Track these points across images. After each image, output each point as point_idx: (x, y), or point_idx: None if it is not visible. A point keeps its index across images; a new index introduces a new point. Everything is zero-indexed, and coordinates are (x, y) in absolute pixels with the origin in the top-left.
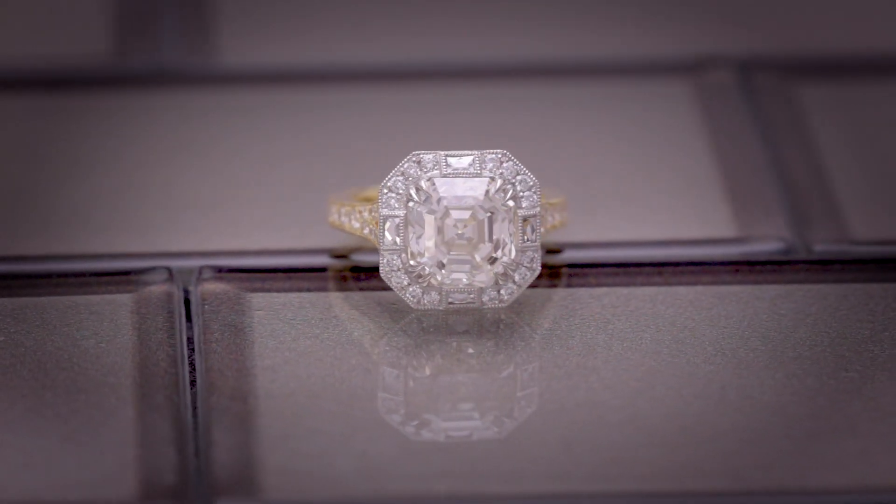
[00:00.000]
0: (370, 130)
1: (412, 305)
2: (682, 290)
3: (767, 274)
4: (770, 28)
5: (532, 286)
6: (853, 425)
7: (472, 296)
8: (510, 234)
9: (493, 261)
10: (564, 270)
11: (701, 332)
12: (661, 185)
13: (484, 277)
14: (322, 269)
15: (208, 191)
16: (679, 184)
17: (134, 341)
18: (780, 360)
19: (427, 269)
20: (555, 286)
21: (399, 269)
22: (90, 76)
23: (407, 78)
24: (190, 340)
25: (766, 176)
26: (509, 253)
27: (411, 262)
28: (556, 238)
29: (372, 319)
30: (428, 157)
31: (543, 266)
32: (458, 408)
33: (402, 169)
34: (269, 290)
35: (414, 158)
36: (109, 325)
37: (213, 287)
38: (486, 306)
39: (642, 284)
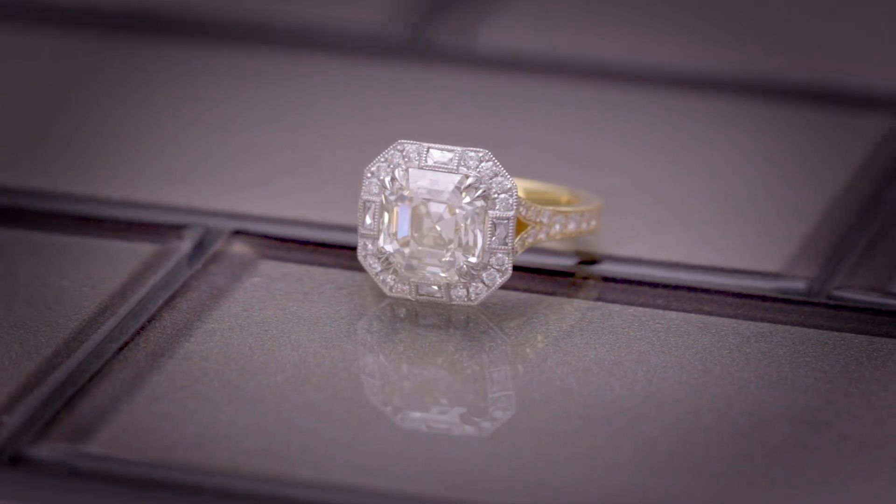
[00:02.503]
0: (565, 125)
1: (385, 292)
2: (671, 315)
3: (765, 311)
4: None
5: (540, 291)
6: (703, 465)
7: (440, 290)
8: (478, 234)
9: (456, 258)
10: (579, 281)
11: (648, 358)
12: (752, 214)
13: (447, 274)
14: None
15: (334, 162)
16: (772, 215)
17: (116, 289)
18: (698, 396)
19: (392, 259)
20: (560, 295)
21: (373, 255)
22: (347, 42)
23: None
24: (171, 297)
25: (864, 220)
26: (474, 252)
27: (385, 248)
28: (599, 249)
29: (352, 301)
30: (411, 147)
31: (563, 273)
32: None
33: (386, 156)
34: (284, 260)
35: (398, 147)
36: (108, 272)
37: (236, 249)
38: (454, 303)
39: (639, 304)
